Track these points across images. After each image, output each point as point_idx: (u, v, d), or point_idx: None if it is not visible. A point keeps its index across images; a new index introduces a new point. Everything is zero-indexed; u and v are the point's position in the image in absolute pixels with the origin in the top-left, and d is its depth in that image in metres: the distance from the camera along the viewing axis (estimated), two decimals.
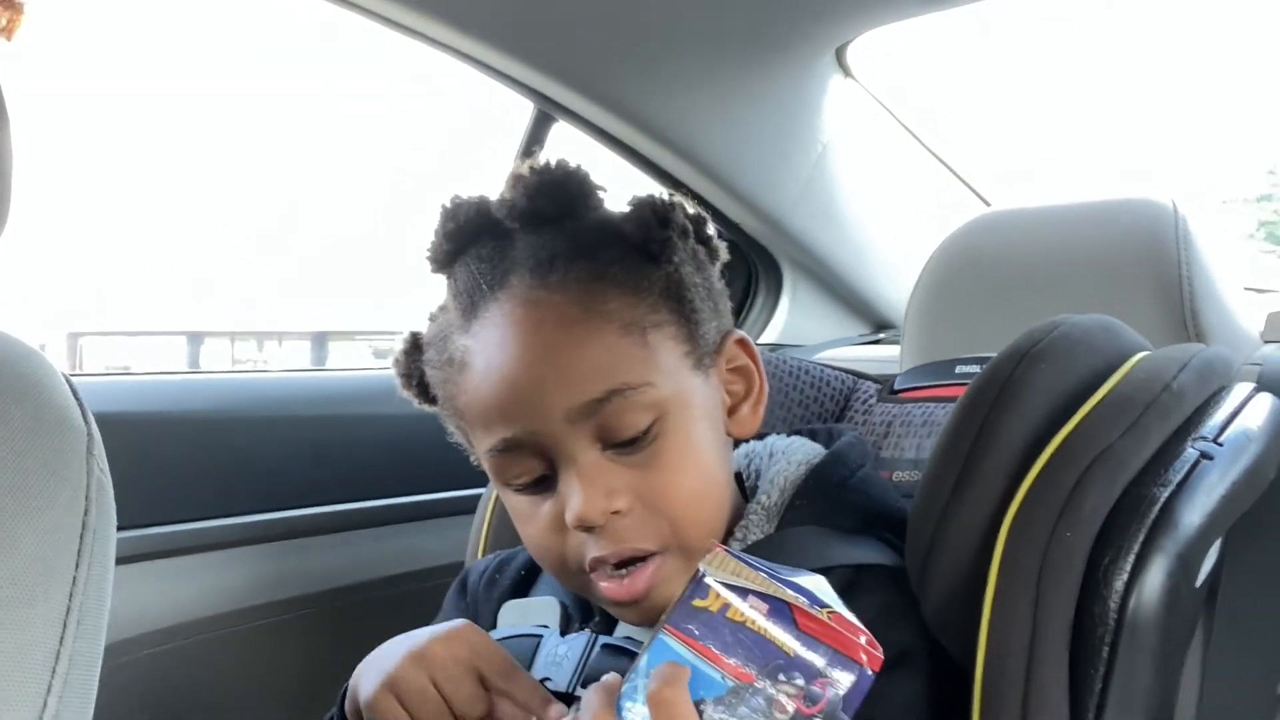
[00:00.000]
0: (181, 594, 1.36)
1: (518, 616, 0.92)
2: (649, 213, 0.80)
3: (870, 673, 0.60)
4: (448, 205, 0.83)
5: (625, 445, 0.77)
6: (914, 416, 1.08)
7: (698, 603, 0.61)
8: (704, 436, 0.81)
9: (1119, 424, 0.76)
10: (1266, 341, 1.20)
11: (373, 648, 0.84)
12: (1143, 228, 1.18)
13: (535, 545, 0.83)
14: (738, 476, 0.94)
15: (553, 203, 0.80)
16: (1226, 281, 1.19)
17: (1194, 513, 0.74)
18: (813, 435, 0.95)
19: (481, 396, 0.79)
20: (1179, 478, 0.75)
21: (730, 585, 0.62)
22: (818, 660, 0.60)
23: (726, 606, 0.61)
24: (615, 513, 0.77)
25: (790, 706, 0.59)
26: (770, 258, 1.91)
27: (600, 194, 0.82)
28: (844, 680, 0.60)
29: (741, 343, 0.87)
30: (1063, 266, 1.23)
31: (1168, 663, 0.75)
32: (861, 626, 0.62)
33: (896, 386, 1.13)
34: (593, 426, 0.77)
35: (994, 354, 0.82)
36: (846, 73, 1.73)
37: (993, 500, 0.76)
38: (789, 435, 0.96)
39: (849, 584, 0.79)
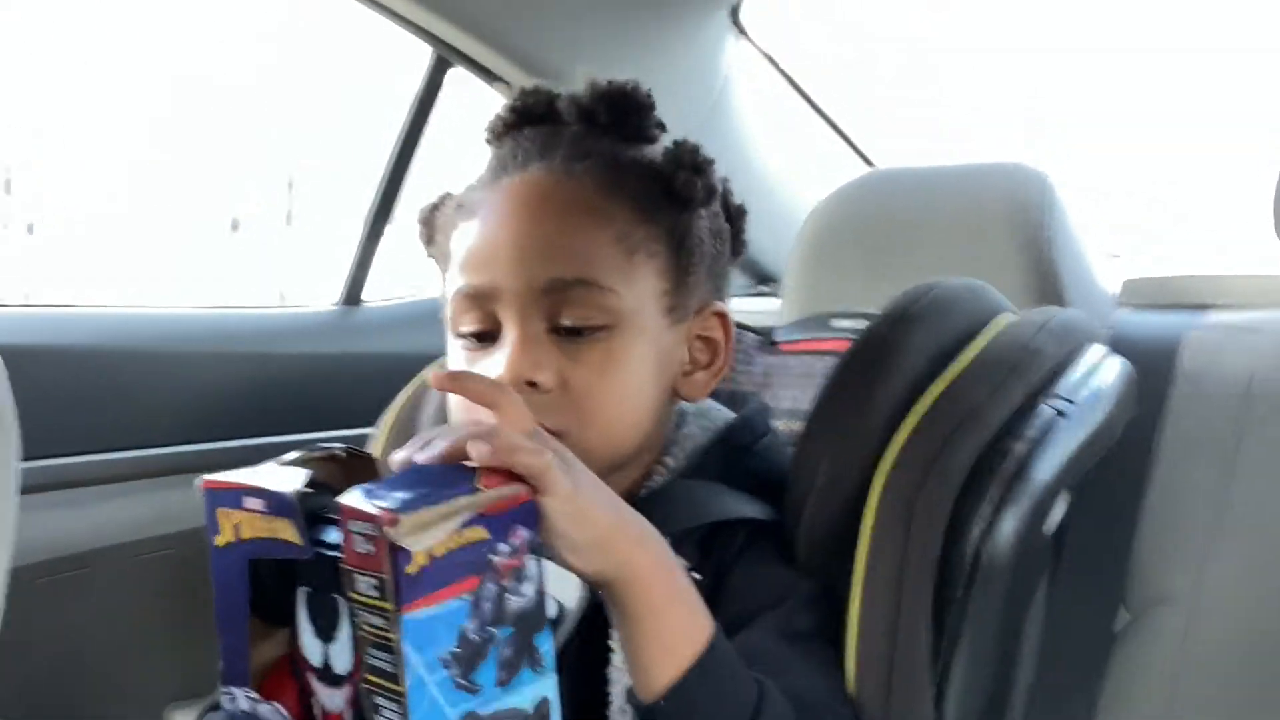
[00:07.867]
0: (79, 524, 1.35)
1: None
2: (687, 155, 0.85)
3: (523, 492, 0.61)
4: (525, 88, 0.89)
5: (569, 332, 0.80)
6: (792, 368, 1.12)
7: (410, 569, 0.58)
8: (644, 368, 0.83)
9: (985, 385, 0.81)
10: (1121, 305, 1.28)
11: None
12: (1012, 193, 1.23)
13: None
14: None
15: (610, 111, 0.86)
16: (1087, 247, 1.26)
17: (1047, 467, 0.79)
18: (714, 396, 0.96)
19: (470, 241, 0.84)
20: (1035, 434, 0.80)
21: (421, 533, 0.58)
22: (498, 520, 0.60)
23: (429, 549, 0.58)
24: (533, 385, 0.79)
25: (506, 572, 0.60)
26: None
27: (655, 130, 0.88)
28: (519, 525, 0.61)
29: (720, 316, 0.90)
30: (937, 226, 1.27)
31: (1016, 603, 0.81)
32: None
33: (776, 339, 1.17)
34: (549, 304, 0.80)
35: (869, 310, 0.86)
36: (740, 32, 1.76)
37: (867, 455, 0.80)
38: None
39: (743, 543, 0.82)
